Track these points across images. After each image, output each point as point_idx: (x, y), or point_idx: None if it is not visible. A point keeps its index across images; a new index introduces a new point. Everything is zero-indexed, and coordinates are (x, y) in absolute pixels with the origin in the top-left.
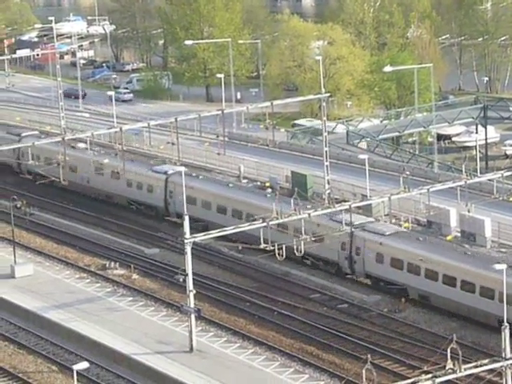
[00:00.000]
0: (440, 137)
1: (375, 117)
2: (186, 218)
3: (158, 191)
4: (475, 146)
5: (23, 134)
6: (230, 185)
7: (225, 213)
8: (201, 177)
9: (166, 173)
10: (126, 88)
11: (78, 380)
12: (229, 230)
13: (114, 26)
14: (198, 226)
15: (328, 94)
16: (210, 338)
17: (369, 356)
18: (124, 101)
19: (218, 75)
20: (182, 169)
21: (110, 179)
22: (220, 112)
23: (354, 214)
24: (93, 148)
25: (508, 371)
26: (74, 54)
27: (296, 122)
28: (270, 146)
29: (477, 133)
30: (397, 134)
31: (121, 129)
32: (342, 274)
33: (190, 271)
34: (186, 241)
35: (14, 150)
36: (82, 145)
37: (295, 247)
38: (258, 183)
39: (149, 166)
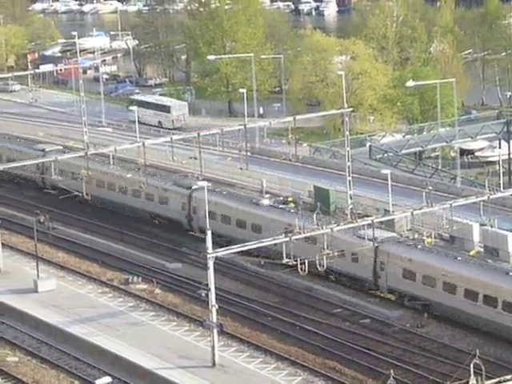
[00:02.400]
0: (463, 152)
1: (398, 132)
2: (209, 232)
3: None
4: (498, 161)
5: (47, 149)
6: (254, 200)
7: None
8: (224, 192)
9: (189, 188)
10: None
11: None
12: (251, 245)
13: (136, 41)
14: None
15: (351, 109)
16: (232, 352)
17: (391, 371)
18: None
19: (241, 90)
20: (205, 184)
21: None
22: (242, 127)
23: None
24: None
25: None
26: (96, 69)
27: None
28: (293, 161)
29: (500, 147)
30: (419, 148)
31: (143, 143)
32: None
33: (212, 286)
34: (208, 255)
35: (37, 165)
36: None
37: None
38: (281, 198)
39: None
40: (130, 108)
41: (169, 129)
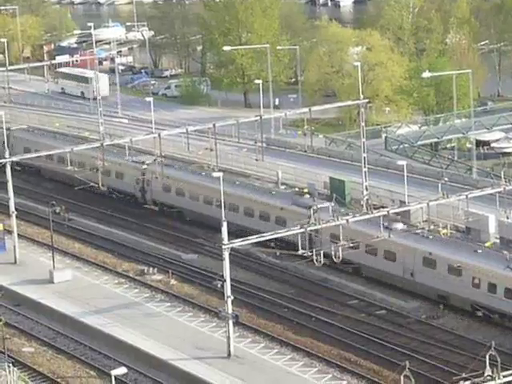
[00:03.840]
0: (479, 143)
1: (414, 123)
2: (225, 223)
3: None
4: None
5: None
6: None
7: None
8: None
9: None
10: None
11: None
12: (267, 236)
13: (152, 32)
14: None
15: (366, 100)
16: (247, 343)
17: (407, 362)
18: None
19: (256, 81)
20: (220, 174)
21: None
22: (258, 118)
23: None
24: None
25: None
26: (112, 60)
27: None
28: (308, 152)
29: None
30: (435, 140)
31: (159, 135)
32: None
33: (228, 277)
34: (224, 246)
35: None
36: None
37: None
38: (297, 189)
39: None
40: (146, 99)
41: (89, 99)
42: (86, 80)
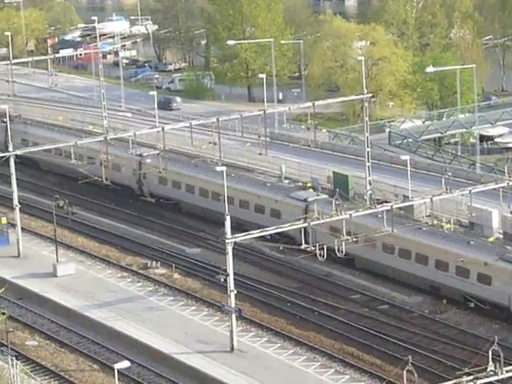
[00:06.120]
0: (482, 138)
1: (417, 117)
2: (228, 218)
3: None
4: None
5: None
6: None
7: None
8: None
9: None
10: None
11: (118, 379)
12: (270, 231)
13: (156, 26)
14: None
15: (370, 95)
16: (250, 337)
17: (410, 357)
18: None
19: (260, 75)
20: (224, 168)
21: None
22: (262, 112)
23: None
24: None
25: None
26: (116, 53)
27: None
28: (312, 147)
29: None
30: (439, 135)
31: (163, 128)
32: None
33: (231, 271)
34: (227, 241)
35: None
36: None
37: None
38: (300, 183)
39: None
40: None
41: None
42: None
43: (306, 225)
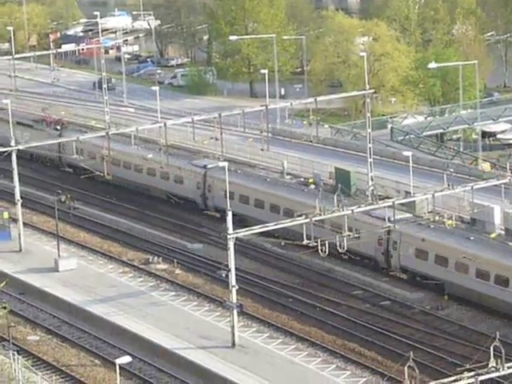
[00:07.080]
0: (484, 134)
1: (419, 113)
2: (229, 213)
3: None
4: None
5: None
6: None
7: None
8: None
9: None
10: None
11: (120, 374)
12: (271, 226)
13: (158, 21)
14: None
15: (372, 91)
16: (252, 333)
17: (411, 353)
18: None
19: (262, 71)
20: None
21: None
22: (264, 108)
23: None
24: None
25: None
26: (118, 48)
27: None
28: (314, 142)
29: None
30: (441, 130)
31: (165, 124)
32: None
33: (232, 266)
34: (228, 236)
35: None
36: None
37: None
38: (302, 179)
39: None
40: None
41: None
42: None
43: (307, 220)
